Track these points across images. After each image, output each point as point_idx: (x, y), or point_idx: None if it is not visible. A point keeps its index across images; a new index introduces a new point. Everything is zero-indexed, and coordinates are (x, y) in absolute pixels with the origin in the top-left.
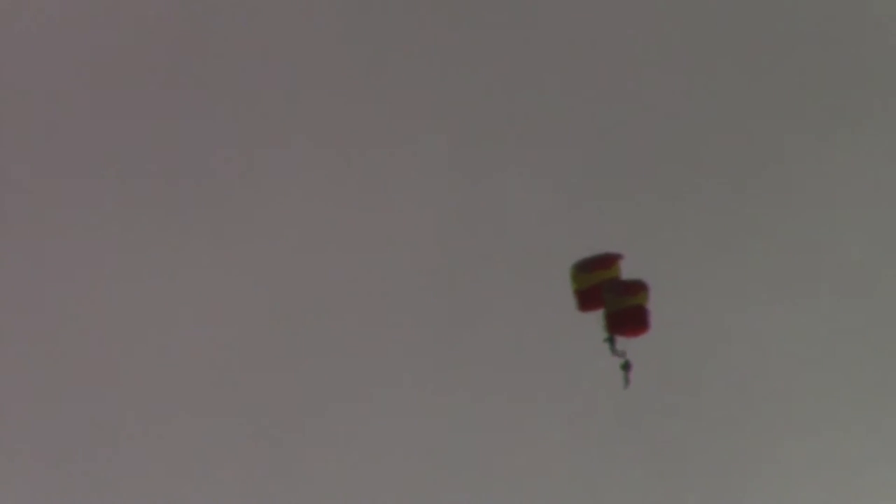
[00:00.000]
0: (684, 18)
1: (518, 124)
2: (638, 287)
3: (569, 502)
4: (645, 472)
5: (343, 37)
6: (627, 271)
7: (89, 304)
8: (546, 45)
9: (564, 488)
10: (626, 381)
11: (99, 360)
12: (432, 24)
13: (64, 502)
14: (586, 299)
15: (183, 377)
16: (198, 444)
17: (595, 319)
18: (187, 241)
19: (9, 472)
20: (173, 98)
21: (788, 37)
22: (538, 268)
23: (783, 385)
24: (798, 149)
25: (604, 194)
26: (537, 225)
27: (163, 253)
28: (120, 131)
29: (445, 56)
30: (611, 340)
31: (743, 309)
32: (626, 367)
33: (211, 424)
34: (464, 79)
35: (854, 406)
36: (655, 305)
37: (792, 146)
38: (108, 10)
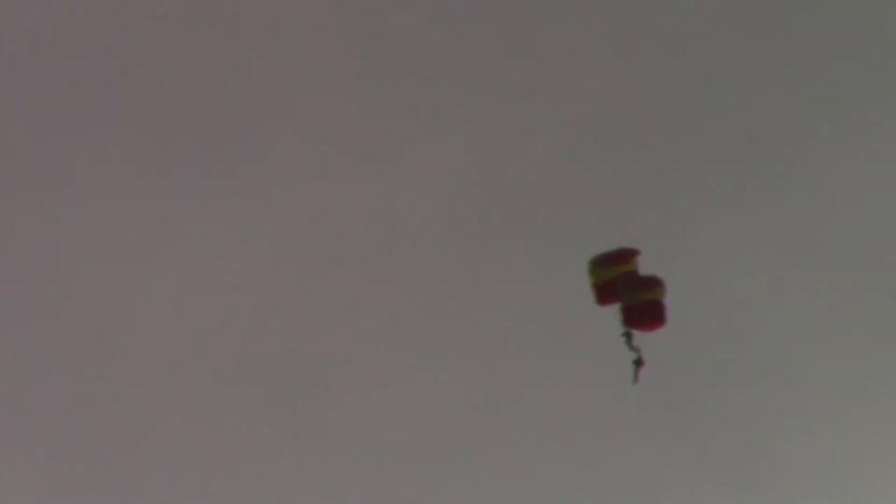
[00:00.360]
0: None
1: (538, 88)
2: (654, 283)
3: (584, 459)
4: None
5: None
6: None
7: (98, 279)
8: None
9: (582, 448)
10: (636, 377)
11: (108, 334)
12: None
13: (92, 455)
14: (604, 293)
15: (199, 343)
16: (215, 410)
17: (613, 313)
18: (201, 204)
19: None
20: (189, 64)
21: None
22: (552, 232)
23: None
24: (806, 118)
25: (624, 158)
26: (553, 189)
27: (177, 219)
28: (133, 100)
29: (468, 17)
30: (627, 335)
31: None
32: (638, 363)
33: (226, 385)
34: (485, 38)
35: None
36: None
37: (798, 115)
38: None
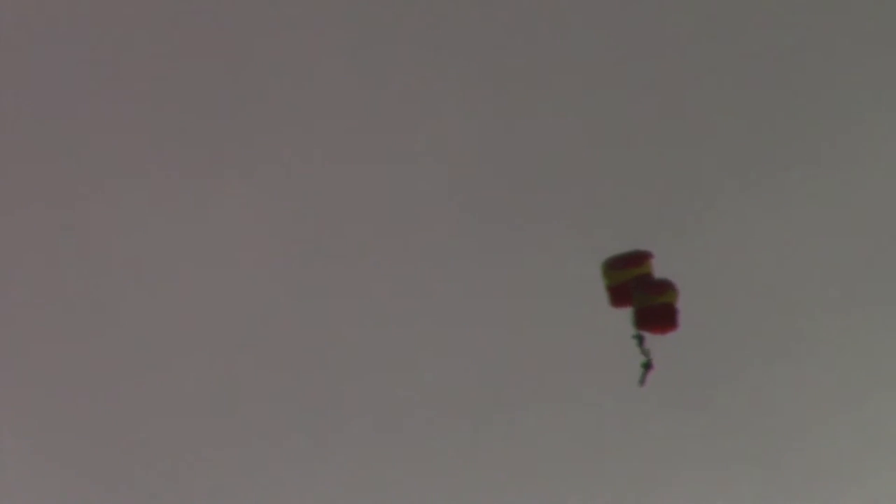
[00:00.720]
0: None
1: (545, 61)
2: (666, 286)
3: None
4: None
5: None
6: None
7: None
8: None
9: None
10: (643, 380)
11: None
12: None
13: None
14: (618, 296)
15: (207, 323)
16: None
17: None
18: (207, 187)
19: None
20: (198, 44)
21: None
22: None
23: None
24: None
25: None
26: (563, 166)
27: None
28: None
29: None
30: (639, 338)
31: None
32: (647, 366)
33: (235, 366)
34: (493, 12)
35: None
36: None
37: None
38: None
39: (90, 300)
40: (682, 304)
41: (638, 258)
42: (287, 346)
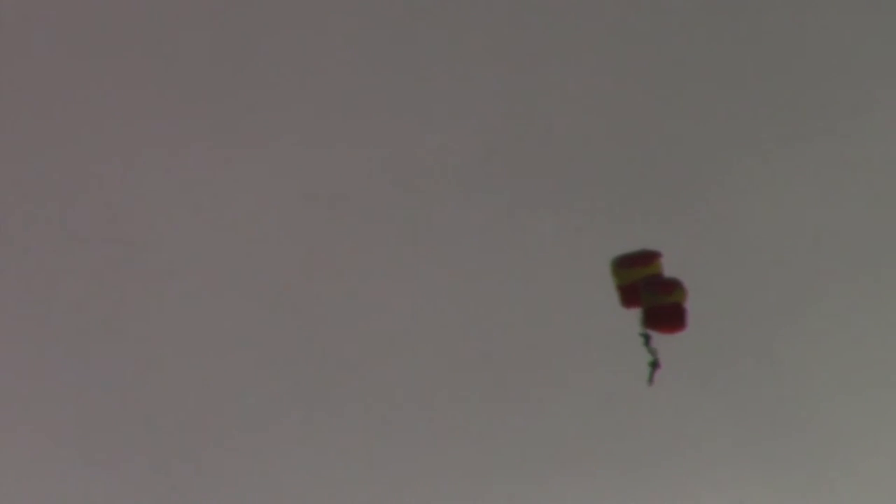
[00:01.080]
0: None
1: (571, 14)
2: (673, 285)
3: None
4: None
5: None
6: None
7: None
8: None
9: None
10: (651, 378)
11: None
12: None
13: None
14: (629, 296)
15: (219, 281)
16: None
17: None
18: (221, 146)
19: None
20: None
21: None
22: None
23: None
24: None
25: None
26: (588, 123)
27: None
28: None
29: None
30: (646, 337)
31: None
32: (655, 365)
33: (248, 322)
34: None
35: None
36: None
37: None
38: None
39: (98, 270)
40: (694, 277)
41: (646, 257)
42: (297, 308)
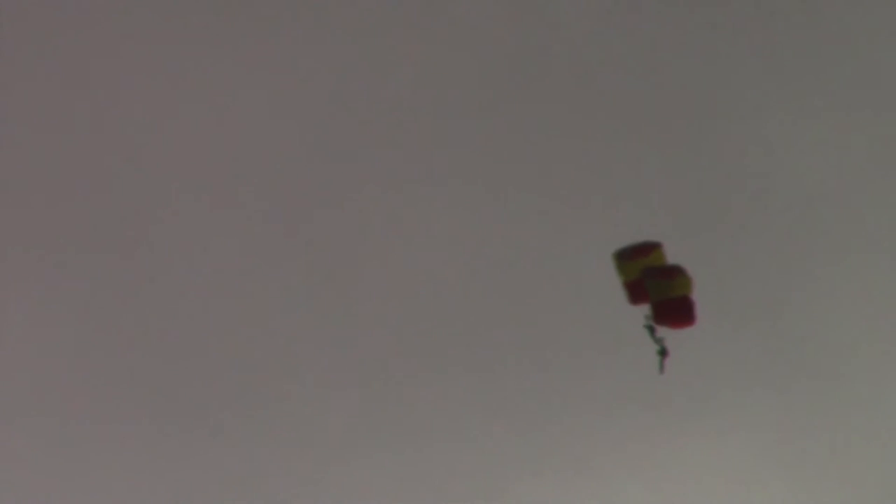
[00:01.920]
0: None
1: None
2: (676, 271)
3: None
4: None
5: None
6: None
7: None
8: None
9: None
10: (661, 367)
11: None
12: None
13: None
14: (636, 293)
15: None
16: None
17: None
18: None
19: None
20: None
21: None
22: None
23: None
24: None
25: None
26: (598, 47)
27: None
28: None
29: None
30: (650, 328)
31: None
32: (663, 353)
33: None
34: None
35: None
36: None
37: None
38: None
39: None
40: (700, 202)
41: (646, 248)
42: (291, 227)
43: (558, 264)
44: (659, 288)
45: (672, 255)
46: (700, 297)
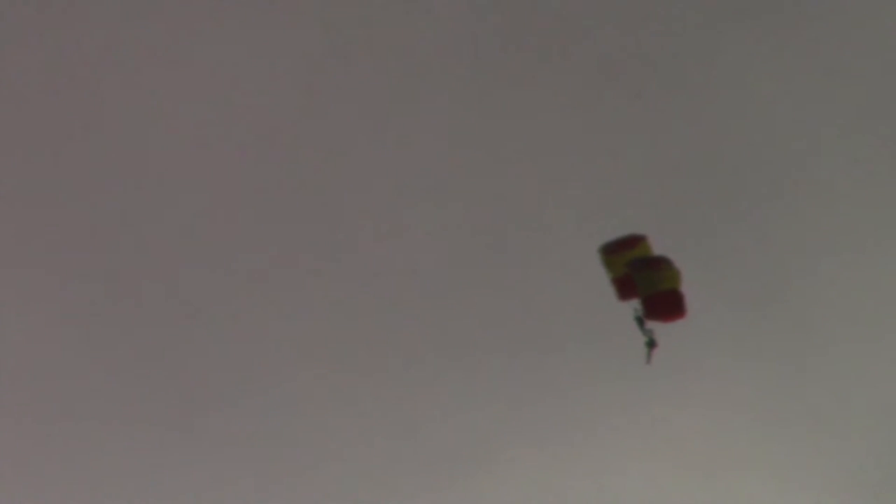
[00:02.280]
0: None
1: None
2: (662, 261)
3: None
4: None
5: None
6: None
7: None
8: None
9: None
10: (649, 357)
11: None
12: None
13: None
14: (624, 289)
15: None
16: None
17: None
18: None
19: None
20: None
21: None
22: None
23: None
24: None
25: None
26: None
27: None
28: None
29: None
30: (640, 320)
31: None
32: (651, 345)
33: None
34: None
35: None
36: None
37: None
38: None
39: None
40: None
41: (631, 241)
42: (278, 201)
43: (548, 242)
44: (647, 281)
45: (658, 231)
46: (686, 275)
